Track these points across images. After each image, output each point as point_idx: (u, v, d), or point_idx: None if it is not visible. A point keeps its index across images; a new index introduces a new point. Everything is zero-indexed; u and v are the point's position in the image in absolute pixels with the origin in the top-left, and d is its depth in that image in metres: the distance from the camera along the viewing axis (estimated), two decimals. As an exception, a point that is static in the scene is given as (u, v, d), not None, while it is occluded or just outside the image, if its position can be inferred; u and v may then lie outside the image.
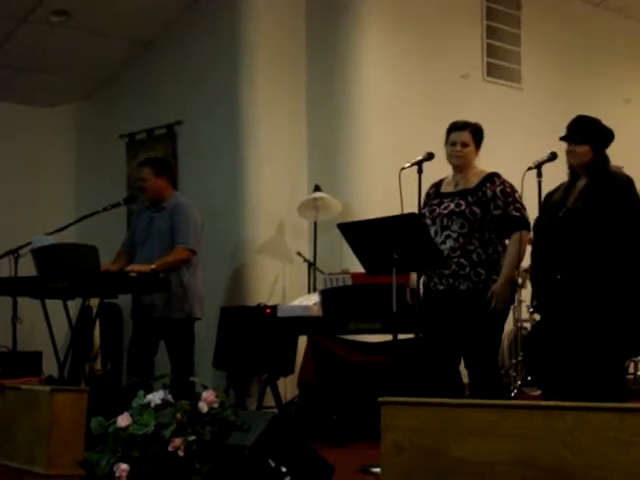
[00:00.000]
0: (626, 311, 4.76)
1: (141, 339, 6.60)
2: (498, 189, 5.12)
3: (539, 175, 4.96)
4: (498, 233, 5.12)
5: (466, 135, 5.21)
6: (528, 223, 5.12)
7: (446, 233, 5.10)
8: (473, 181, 5.18)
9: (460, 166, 5.23)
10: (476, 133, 5.25)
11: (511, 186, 5.16)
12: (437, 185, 5.33)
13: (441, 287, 5.15)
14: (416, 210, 5.18)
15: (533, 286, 5.10)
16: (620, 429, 3.02)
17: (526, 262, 6.75)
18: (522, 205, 5.13)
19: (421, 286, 5.22)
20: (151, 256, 6.43)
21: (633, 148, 8.83)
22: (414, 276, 5.27)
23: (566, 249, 4.81)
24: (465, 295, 5.08)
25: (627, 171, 5.13)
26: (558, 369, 4.91)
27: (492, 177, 5.18)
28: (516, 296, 8.09)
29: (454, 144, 5.21)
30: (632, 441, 2.99)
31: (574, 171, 5.01)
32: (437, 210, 5.18)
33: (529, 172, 4.96)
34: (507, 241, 5.17)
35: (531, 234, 5.24)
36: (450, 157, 5.22)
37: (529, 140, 8.64)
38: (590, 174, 4.93)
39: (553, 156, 5.02)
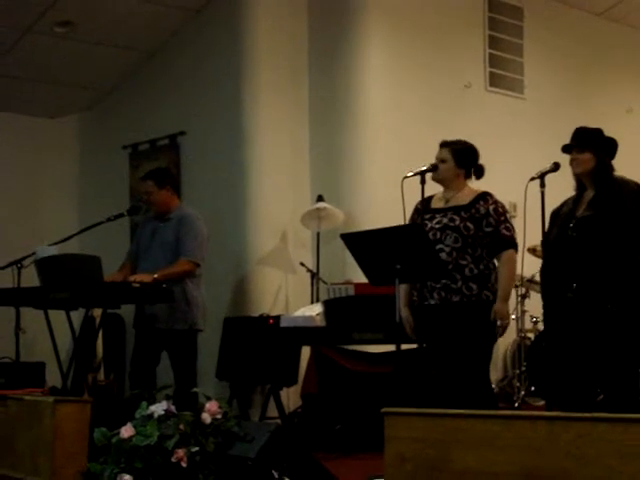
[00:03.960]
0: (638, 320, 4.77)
1: (144, 350, 6.60)
2: (491, 207, 5.16)
3: (542, 185, 4.96)
4: (489, 251, 5.15)
5: (444, 152, 5.27)
6: (516, 243, 5.18)
7: (439, 247, 5.10)
8: (466, 198, 5.22)
9: (440, 181, 5.29)
10: (458, 152, 5.26)
11: (503, 206, 5.23)
12: (426, 201, 5.33)
13: (432, 302, 5.16)
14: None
15: (544, 299, 5.10)
16: (624, 440, 3.01)
17: (528, 272, 6.77)
18: (512, 225, 5.20)
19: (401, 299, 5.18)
20: (154, 266, 6.44)
21: (635, 158, 8.83)
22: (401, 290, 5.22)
23: (579, 258, 4.81)
24: (457, 307, 5.09)
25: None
26: (565, 379, 4.90)
27: (485, 195, 5.23)
28: (519, 306, 8.14)
29: (436, 160, 5.28)
30: (636, 452, 2.98)
31: (581, 183, 5.02)
32: (429, 224, 5.20)
33: (532, 182, 4.97)
34: (495, 260, 5.19)
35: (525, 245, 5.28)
36: (434, 170, 5.26)
37: (532, 150, 8.64)
38: (597, 183, 4.93)
39: (556, 166, 5.03)
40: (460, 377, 5.12)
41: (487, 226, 5.13)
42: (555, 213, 5.11)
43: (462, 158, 5.26)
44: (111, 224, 6.98)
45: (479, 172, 5.33)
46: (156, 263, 6.48)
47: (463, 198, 5.23)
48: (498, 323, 5.07)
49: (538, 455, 3.19)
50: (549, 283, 5.01)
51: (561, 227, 4.96)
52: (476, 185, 5.36)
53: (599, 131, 5.04)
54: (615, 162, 5.05)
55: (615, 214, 4.80)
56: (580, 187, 5.04)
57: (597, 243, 4.79)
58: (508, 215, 5.23)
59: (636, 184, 4.95)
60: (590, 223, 4.85)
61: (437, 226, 5.17)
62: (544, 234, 5.06)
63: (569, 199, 5.11)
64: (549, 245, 5.03)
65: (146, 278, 6.20)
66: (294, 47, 8.27)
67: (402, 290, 5.17)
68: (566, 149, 5.01)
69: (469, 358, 5.07)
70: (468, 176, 5.32)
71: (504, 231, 5.14)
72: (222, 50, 8.30)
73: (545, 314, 5.11)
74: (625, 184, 4.94)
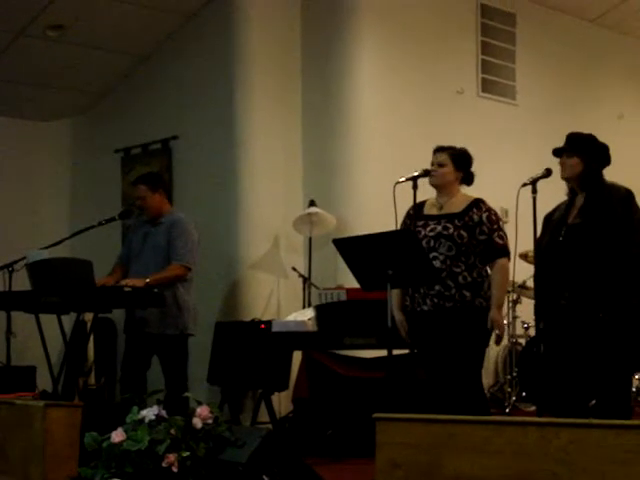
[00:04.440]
0: (632, 325, 4.76)
1: (134, 354, 6.59)
2: (484, 215, 5.16)
3: (534, 191, 4.96)
4: (482, 258, 5.16)
5: (443, 156, 5.26)
6: (509, 251, 5.18)
7: (433, 255, 5.10)
8: (459, 205, 5.21)
9: (437, 186, 5.28)
10: (456, 156, 5.27)
11: (496, 213, 5.24)
12: (418, 207, 5.31)
13: (425, 307, 5.16)
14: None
15: (537, 306, 5.10)
16: (615, 446, 3.02)
17: (520, 278, 6.78)
18: (505, 233, 5.21)
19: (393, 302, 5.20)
20: (145, 270, 6.44)
21: (626, 164, 8.82)
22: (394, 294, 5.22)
23: (571, 266, 4.82)
24: (451, 311, 5.09)
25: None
26: (556, 385, 4.91)
27: (478, 203, 5.22)
28: (511, 312, 8.15)
29: (433, 164, 5.28)
30: (627, 458, 2.99)
31: (572, 188, 5.04)
32: (422, 232, 5.19)
33: (523, 188, 4.97)
34: (488, 268, 5.19)
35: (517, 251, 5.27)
36: (426, 176, 5.26)
37: (523, 156, 8.66)
38: (587, 189, 4.94)
39: (548, 172, 5.03)
40: (453, 382, 5.11)
41: (480, 234, 5.14)
42: (547, 218, 5.12)
43: (460, 162, 5.28)
44: (103, 228, 6.98)
45: (471, 178, 5.34)
46: (147, 267, 6.48)
47: (457, 205, 5.22)
48: (496, 331, 5.08)
49: (529, 460, 3.20)
50: (542, 290, 5.02)
51: (552, 234, 4.98)
52: (468, 191, 5.36)
53: (591, 137, 5.05)
54: (607, 167, 5.06)
55: (605, 221, 4.80)
56: (572, 192, 5.06)
57: (588, 251, 4.79)
58: (501, 223, 5.23)
59: (626, 190, 4.96)
60: (581, 231, 4.85)
61: (431, 234, 5.16)
62: (536, 239, 5.06)
63: (562, 204, 5.12)
64: (541, 251, 5.03)
65: (138, 282, 6.20)
66: (287, 52, 8.27)
67: (394, 294, 5.18)
68: (557, 152, 5.02)
69: (462, 363, 5.07)
70: (462, 181, 5.33)
71: (497, 239, 5.14)
72: (215, 55, 8.30)
73: (537, 320, 5.12)
74: (615, 190, 4.94)
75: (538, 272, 5.09)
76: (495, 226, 5.16)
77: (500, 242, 5.15)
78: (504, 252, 5.16)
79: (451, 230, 5.13)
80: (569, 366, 4.86)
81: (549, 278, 4.94)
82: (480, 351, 5.19)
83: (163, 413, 4.17)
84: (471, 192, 5.35)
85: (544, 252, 4.99)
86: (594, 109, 9.80)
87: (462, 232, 5.12)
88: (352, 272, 5.09)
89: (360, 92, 8.06)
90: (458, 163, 5.28)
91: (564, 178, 5.03)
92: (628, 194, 4.92)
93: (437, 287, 5.09)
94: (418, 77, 8.52)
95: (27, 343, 7.53)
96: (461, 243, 5.11)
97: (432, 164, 5.28)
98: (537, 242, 5.06)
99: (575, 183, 5.00)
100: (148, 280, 6.24)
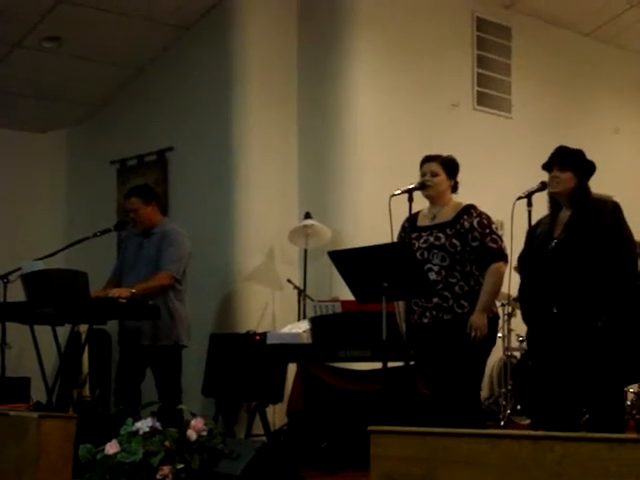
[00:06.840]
0: (623, 337, 4.76)
1: (128, 366, 6.57)
2: (475, 221, 5.14)
3: (529, 204, 4.96)
4: (478, 265, 5.14)
5: (435, 165, 5.25)
6: (505, 254, 5.15)
7: (427, 266, 5.09)
8: (450, 214, 5.20)
9: (432, 196, 5.27)
10: (447, 164, 5.27)
11: (488, 217, 5.20)
12: (412, 218, 5.29)
13: (425, 320, 5.15)
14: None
15: (525, 320, 5.09)
16: (609, 459, 3.01)
17: (515, 291, 6.79)
18: (499, 236, 5.17)
19: (400, 315, 5.21)
20: (139, 282, 6.42)
21: (622, 178, 8.86)
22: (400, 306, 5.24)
23: (559, 281, 4.81)
24: (450, 324, 5.08)
25: (615, 200, 5.12)
26: (550, 399, 4.90)
27: (469, 209, 5.21)
28: (505, 325, 8.14)
29: (424, 175, 5.26)
30: (621, 472, 2.98)
31: (555, 202, 5.03)
32: (416, 244, 5.18)
33: (519, 201, 4.97)
34: None
35: (512, 264, 5.25)
36: (422, 189, 5.24)
37: (519, 169, 8.66)
38: (575, 204, 4.93)
39: (543, 186, 5.03)
40: (452, 395, 5.10)
41: (473, 240, 5.11)
42: (531, 232, 5.08)
43: (451, 170, 5.28)
44: (98, 239, 6.98)
45: (457, 186, 5.35)
46: (141, 279, 6.46)
47: (448, 213, 5.21)
48: (472, 334, 5.01)
49: (524, 474, 3.19)
50: (530, 304, 5.01)
51: (539, 248, 4.95)
52: (459, 199, 5.34)
53: (581, 152, 5.05)
54: (602, 182, 5.07)
55: (595, 235, 4.79)
56: (555, 206, 5.04)
57: (577, 265, 4.78)
58: (494, 226, 5.19)
59: (613, 203, 4.97)
60: (569, 246, 4.84)
61: (424, 245, 5.16)
62: (521, 252, 5.06)
63: (544, 218, 5.10)
64: (527, 266, 5.02)
65: (124, 293, 6.17)
66: (283, 64, 8.29)
67: (401, 306, 5.19)
68: (547, 166, 5.02)
69: (461, 377, 5.06)
70: (453, 190, 5.33)
71: (490, 244, 5.11)
72: (211, 67, 8.32)
73: (528, 334, 5.11)
74: (603, 204, 4.95)
75: (525, 287, 5.07)
76: (487, 230, 5.13)
77: (494, 246, 5.11)
78: (499, 256, 5.11)
79: (443, 240, 5.12)
80: (561, 380, 4.85)
81: (537, 292, 4.92)
82: (479, 364, 5.16)
83: (157, 425, 4.16)
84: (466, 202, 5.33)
85: (532, 266, 4.98)
86: (590, 123, 9.83)
87: (454, 241, 5.10)
88: (347, 284, 5.09)
89: (356, 105, 8.07)
90: (449, 171, 5.28)
91: (554, 193, 5.00)
92: (615, 207, 4.92)
93: (435, 300, 5.08)
94: (414, 90, 8.53)
95: (22, 354, 7.52)
96: (454, 252, 5.10)
97: (423, 174, 5.26)
98: (520, 256, 5.06)
99: (565, 198, 4.97)
100: (134, 290, 6.23)
